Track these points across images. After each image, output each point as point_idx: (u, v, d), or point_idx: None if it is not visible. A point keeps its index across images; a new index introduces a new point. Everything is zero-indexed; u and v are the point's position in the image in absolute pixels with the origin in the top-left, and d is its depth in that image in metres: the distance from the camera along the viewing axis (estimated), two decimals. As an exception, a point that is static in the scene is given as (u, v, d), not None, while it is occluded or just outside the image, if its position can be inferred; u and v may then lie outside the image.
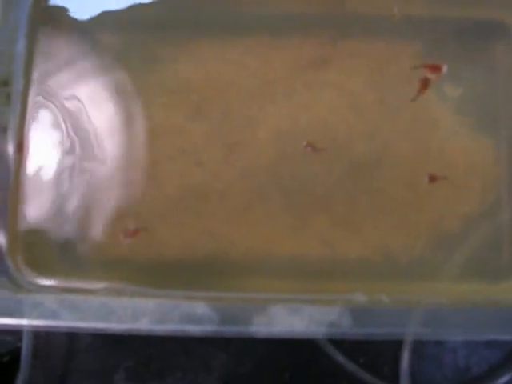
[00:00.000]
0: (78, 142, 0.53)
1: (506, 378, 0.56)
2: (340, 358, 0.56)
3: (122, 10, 0.55)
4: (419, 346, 0.56)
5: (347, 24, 0.55)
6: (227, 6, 0.56)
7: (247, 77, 0.54)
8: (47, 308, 0.44)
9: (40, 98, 0.54)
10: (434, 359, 0.57)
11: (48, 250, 0.52)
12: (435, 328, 0.45)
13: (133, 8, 0.55)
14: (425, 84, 0.53)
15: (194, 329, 0.43)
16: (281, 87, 0.54)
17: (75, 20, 0.55)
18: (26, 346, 0.51)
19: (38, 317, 0.44)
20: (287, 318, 0.44)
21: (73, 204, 0.53)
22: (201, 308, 0.44)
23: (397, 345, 0.55)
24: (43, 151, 0.54)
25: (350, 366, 0.56)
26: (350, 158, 0.53)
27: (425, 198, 0.53)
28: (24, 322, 0.44)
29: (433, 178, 0.53)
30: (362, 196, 0.53)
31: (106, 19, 0.55)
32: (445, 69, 0.54)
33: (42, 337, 0.54)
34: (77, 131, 0.54)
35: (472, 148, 0.54)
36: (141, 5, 0.55)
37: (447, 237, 0.53)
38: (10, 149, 0.53)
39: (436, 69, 0.54)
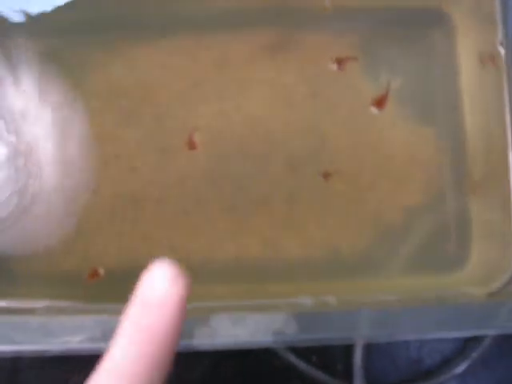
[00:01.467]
0: (12, 154, 0.52)
1: (461, 368, 0.56)
2: (292, 358, 0.55)
3: (48, 13, 0.54)
4: (365, 341, 0.56)
5: (276, 18, 0.54)
6: (153, 6, 0.54)
7: (176, 78, 0.53)
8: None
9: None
10: (387, 353, 0.56)
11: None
12: (385, 330, 0.44)
13: (60, 11, 0.54)
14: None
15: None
16: (211, 87, 0.53)
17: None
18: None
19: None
20: (231, 328, 0.43)
21: (7, 221, 0.51)
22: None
23: (348, 341, 0.55)
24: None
25: (303, 366, 0.55)
26: (286, 154, 0.52)
27: (366, 192, 0.52)
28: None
29: (326, 175, 0.52)
30: (301, 193, 0.52)
31: (33, 23, 0.54)
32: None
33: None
34: (10, 143, 0.52)
35: (412, 139, 0.53)
36: (67, 7, 0.53)
37: (391, 230, 0.52)
38: None
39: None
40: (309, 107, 0.53)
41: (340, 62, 0.53)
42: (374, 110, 0.53)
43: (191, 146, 0.52)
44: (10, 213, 0.51)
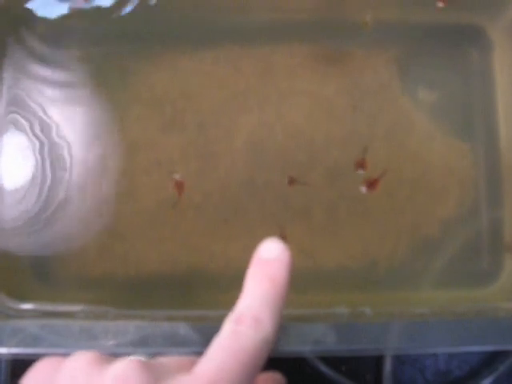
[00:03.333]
0: (50, 158, 0.52)
1: (488, 380, 0.56)
2: (322, 367, 0.55)
3: (93, 24, 0.54)
4: (399, 353, 0.56)
5: (318, 32, 0.55)
6: (198, 18, 0.55)
7: (219, 87, 0.53)
8: (27, 335, 0.43)
9: (11, 114, 0.53)
10: (416, 364, 0.57)
11: (23, 274, 0.51)
12: (417, 342, 0.44)
13: (105, 21, 0.54)
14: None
15: (177, 351, 0.43)
16: (253, 97, 0.54)
17: (45, 34, 0.54)
18: (3, 371, 0.50)
19: (18, 344, 0.43)
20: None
21: (47, 225, 0.52)
22: (183, 329, 0.43)
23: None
24: (16, 171, 0.52)
25: (332, 375, 0.55)
26: (326, 165, 0.53)
27: (404, 204, 0.53)
28: (3, 350, 0.42)
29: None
30: (340, 204, 0.52)
31: (78, 32, 0.54)
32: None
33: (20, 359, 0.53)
34: (49, 149, 0.52)
35: (449, 153, 0.54)
36: (113, 18, 0.54)
37: (427, 243, 0.53)
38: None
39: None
40: (349, 119, 0.53)
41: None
42: (411, 123, 0.53)
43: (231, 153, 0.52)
44: (50, 226, 0.52)
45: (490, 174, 0.54)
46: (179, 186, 0.52)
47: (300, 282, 0.51)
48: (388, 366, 0.55)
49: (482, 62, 0.55)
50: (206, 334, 0.43)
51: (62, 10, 0.54)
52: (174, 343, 0.43)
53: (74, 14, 0.54)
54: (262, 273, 0.33)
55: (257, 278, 0.33)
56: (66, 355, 0.43)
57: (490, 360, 0.57)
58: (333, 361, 0.55)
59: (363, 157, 0.52)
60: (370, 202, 0.53)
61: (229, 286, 0.52)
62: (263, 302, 0.32)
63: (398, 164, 0.53)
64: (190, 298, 0.51)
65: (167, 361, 0.33)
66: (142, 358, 0.31)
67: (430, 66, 0.55)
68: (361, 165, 0.52)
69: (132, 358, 0.30)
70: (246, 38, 0.54)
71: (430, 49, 0.55)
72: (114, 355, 0.42)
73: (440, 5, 0.54)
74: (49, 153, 0.52)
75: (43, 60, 0.54)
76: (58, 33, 0.54)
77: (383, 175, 0.52)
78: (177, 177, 0.52)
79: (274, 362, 0.55)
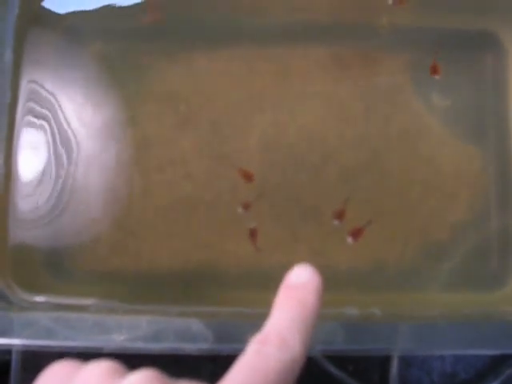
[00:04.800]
0: (65, 154, 0.53)
1: (494, 384, 0.56)
2: (329, 366, 0.56)
3: (111, 20, 0.55)
4: (408, 354, 0.56)
5: (335, 34, 0.55)
6: (214, 17, 0.55)
7: (234, 87, 0.54)
8: (40, 327, 0.44)
9: (28, 110, 0.53)
10: (422, 365, 0.57)
11: (37, 266, 0.52)
12: (425, 343, 0.45)
13: (121, 17, 0.55)
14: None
15: (189, 347, 0.43)
16: (268, 97, 0.54)
17: (63, 29, 0.55)
18: (15, 362, 0.50)
19: (31, 336, 0.43)
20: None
21: (61, 219, 0.52)
22: (195, 325, 0.43)
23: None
24: (32, 165, 0.53)
25: (339, 374, 0.56)
26: (338, 167, 0.53)
27: (415, 207, 0.53)
28: (16, 341, 0.43)
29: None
30: (351, 205, 0.53)
31: (95, 29, 0.55)
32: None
33: (31, 351, 0.54)
34: (65, 143, 0.53)
35: (461, 157, 0.54)
36: (129, 14, 0.55)
37: (436, 246, 0.53)
38: (-1, 162, 0.52)
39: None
40: (362, 121, 0.54)
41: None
42: (424, 127, 0.54)
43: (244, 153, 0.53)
44: (65, 221, 0.53)
45: (501, 179, 0.54)
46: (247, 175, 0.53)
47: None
48: (395, 367, 0.56)
49: (495, 68, 0.55)
50: (217, 331, 0.43)
51: (78, 6, 0.54)
52: (185, 339, 0.43)
53: (92, 12, 0.55)
54: (291, 296, 0.32)
55: (285, 300, 0.32)
56: (77, 349, 0.44)
57: (497, 363, 0.57)
58: (340, 361, 0.55)
59: (343, 208, 0.53)
60: (380, 204, 0.53)
61: (239, 284, 0.53)
62: (291, 323, 0.31)
63: (410, 167, 0.53)
64: (200, 294, 0.51)
65: (186, 381, 0.31)
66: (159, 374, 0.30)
67: (443, 70, 0.55)
68: (339, 216, 0.53)
69: (149, 370, 0.29)
70: (261, 38, 0.55)
71: (444, 54, 0.55)
72: (126, 350, 0.43)
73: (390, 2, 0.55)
74: (63, 147, 0.53)
75: (61, 56, 0.55)
76: (75, 29, 0.55)
77: (368, 225, 0.52)
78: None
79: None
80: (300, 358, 0.30)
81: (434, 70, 0.54)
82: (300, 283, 0.33)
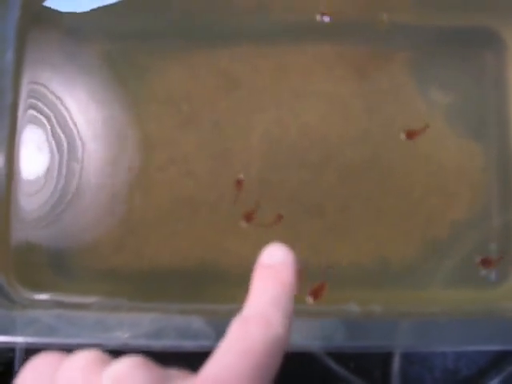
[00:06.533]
0: (67, 153, 0.53)
1: (495, 381, 0.56)
2: (330, 363, 0.56)
3: (112, 19, 0.55)
4: (409, 350, 0.56)
5: (335, 32, 0.55)
6: (216, 17, 0.55)
7: (235, 86, 0.54)
8: (43, 324, 0.44)
9: (30, 110, 0.54)
10: (424, 362, 0.57)
11: (40, 265, 0.52)
12: (426, 340, 0.45)
13: (122, 17, 0.55)
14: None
15: (190, 344, 0.43)
16: (269, 95, 0.54)
17: (65, 29, 0.55)
18: (18, 360, 0.51)
19: (34, 333, 0.43)
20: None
21: (63, 217, 0.53)
22: (196, 323, 0.44)
23: (386, 349, 0.56)
24: (34, 164, 0.53)
25: (341, 371, 0.56)
26: (340, 165, 0.53)
27: (415, 204, 0.53)
28: (18, 339, 0.43)
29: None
30: (353, 203, 0.53)
31: (96, 29, 0.55)
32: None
33: (34, 348, 0.54)
34: (67, 142, 0.53)
35: (462, 155, 0.54)
36: (130, 14, 0.55)
37: (438, 243, 0.53)
38: (0, 162, 0.52)
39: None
40: (363, 120, 0.54)
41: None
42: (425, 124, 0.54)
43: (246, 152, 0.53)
44: (67, 220, 0.53)
45: (503, 177, 0.54)
46: (239, 184, 0.53)
47: (310, 279, 0.52)
48: (396, 364, 0.56)
49: (496, 65, 0.55)
50: (218, 328, 0.44)
51: (81, 6, 0.55)
52: (186, 336, 0.44)
53: (94, 11, 0.55)
54: (268, 275, 0.32)
55: (263, 280, 0.32)
56: (78, 346, 0.44)
57: (498, 360, 0.57)
58: (342, 357, 0.56)
59: (254, 209, 0.53)
60: (382, 202, 0.53)
61: (241, 282, 0.52)
62: (271, 301, 0.31)
63: (411, 165, 0.54)
64: (201, 292, 0.52)
65: (175, 370, 0.31)
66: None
67: (444, 68, 0.55)
68: (247, 218, 0.53)
69: (135, 357, 0.29)
70: (262, 37, 0.55)
71: (444, 51, 0.55)
72: (127, 347, 0.44)
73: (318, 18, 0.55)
74: (65, 146, 0.53)
75: (62, 55, 0.55)
76: (76, 29, 0.55)
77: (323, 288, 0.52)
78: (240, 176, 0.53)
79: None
80: (284, 336, 0.30)
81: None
82: (275, 262, 0.33)
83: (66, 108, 0.54)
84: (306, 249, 0.53)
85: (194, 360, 0.54)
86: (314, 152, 0.53)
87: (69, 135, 0.53)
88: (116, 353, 0.46)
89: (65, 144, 0.53)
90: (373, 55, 0.55)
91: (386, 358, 0.56)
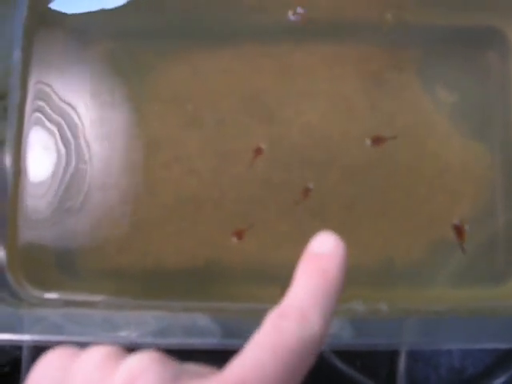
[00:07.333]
0: (74, 153, 0.53)
1: (501, 379, 0.56)
2: (337, 362, 0.56)
3: (116, 19, 0.55)
4: (415, 348, 0.56)
5: (339, 31, 0.56)
6: (219, 16, 0.56)
7: (238, 85, 0.54)
8: (50, 323, 0.44)
9: (37, 110, 0.54)
10: (430, 360, 0.57)
11: (47, 263, 0.52)
12: (434, 338, 0.45)
13: (126, 17, 0.55)
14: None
15: (197, 342, 0.43)
16: (272, 95, 0.54)
17: (71, 30, 0.55)
18: (25, 358, 0.51)
19: (41, 332, 0.44)
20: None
21: (70, 216, 0.53)
22: (202, 320, 0.44)
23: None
24: (40, 164, 0.53)
25: (347, 370, 0.56)
26: (344, 163, 0.53)
27: (421, 203, 0.53)
28: (26, 337, 0.44)
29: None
30: (357, 201, 0.53)
31: (100, 29, 0.55)
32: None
33: (41, 347, 0.54)
34: (73, 142, 0.54)
35: (466, 153, 0.54)
36: (134, 14, 0.55)
37: (443, 242, 0.53)
38: (8, 162, 0.53)
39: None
40: (367, 118, 0.54)
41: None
42: (430, 123, 0.54)
43: (257, 151, 0.53)
44: (74, 219, 0.53)
45: (508, 175, 0.54)
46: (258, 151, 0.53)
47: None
48: (402, 363, 0.56)
49: (500, 64, 0.55)
50: (224, 326, 0.44)
51: (85, 7, 0.55)
52: (192, 334, 0.44)
53: (98, 12, 0.55)
54: (314, 267, 0.30)
55: (307, 272, 0.30)
56: (85, 344, 0.44)
57: (505, 359, 0.57)
58: (348, 356, 0.56)
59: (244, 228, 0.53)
60: (387, 201, 0.53)
61: (245, 281, 0.53)
62: (313, 296, 0.28)
63: (416, 164, 0.54)
64: (206, 290, 0.52)
65: (191, 365, 0.29)
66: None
67: (449, 67, 0.55)
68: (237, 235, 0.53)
69: (150, 352, 0.28)
70: (265, 36, 0.55)
71: (448, 50, 0.55)
72: (135, 345, 0.44)
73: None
74: (71, 146, 0.54)
75: (68, 56, 0.55)
76: (82, 30, 0.55)
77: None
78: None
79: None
80: (320, 337, 0.27)
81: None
82: (323, 252, 0.30)
83: (72, 108, 0.54)
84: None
85: (199, 357, 0.55)
86: (317, 151, 0.54)
87: (75, 135, 0.54)
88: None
89: (71, 144, 0.54)
90: (378, 54, 0.55)
91: (392, 356, 0.56)
